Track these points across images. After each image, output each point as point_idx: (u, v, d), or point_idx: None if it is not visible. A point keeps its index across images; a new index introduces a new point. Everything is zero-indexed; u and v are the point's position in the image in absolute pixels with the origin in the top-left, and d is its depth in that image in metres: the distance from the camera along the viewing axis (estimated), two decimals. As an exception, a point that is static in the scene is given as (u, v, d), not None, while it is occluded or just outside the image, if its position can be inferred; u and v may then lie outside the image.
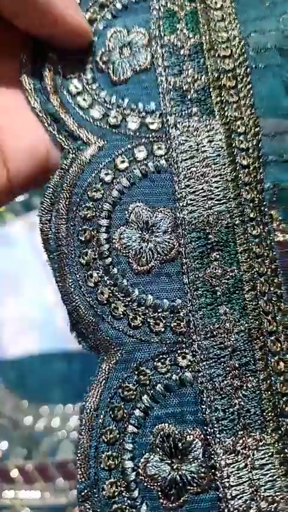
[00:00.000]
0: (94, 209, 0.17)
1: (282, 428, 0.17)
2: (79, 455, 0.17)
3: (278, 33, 0.18)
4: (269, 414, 0.17)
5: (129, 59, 0.18)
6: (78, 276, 0.17)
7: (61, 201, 0.17)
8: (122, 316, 0.17)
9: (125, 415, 0.17)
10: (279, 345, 0.17)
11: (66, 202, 0.17)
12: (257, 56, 0.18)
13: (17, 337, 0.45)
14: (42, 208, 0.18)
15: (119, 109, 0.18)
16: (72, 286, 0.17)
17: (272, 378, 0.17)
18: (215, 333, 0.17)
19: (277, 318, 0.17)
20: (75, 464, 0.45)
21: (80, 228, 0.17)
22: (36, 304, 0.45)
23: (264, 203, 0.17)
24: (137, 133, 0.18)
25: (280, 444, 0.17)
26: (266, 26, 0.18)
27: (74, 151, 0.18)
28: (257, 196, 0.18)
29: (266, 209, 0.17)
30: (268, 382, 0.17)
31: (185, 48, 0.18)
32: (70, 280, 0.17)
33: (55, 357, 0.44)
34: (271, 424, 0.17)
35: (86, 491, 0.16)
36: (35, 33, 0.18)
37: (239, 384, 0.17)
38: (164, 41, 0.18)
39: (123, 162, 0.18)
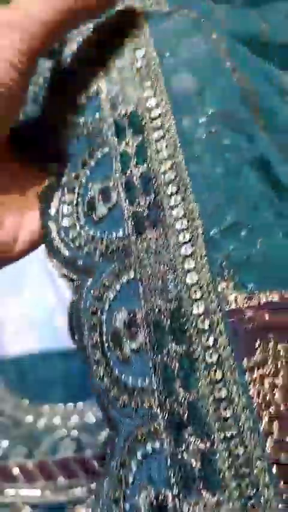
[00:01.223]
0: (94, 320, 0.22)
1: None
2: None
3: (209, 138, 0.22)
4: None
5: (105, 201, 0.23)
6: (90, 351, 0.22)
7: (74, 318, 0.23)
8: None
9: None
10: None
11: (78, 320, 0.22)
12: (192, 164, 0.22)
13: (17, 337, 0.45)
14: (69, 324, 0.23)
15: (102, 241, 0.23)
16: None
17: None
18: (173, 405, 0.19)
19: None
20: (76, 462, 0.44)
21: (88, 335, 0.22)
22: (36, 303, 0.45)
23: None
24: (114, 257, 0.22)
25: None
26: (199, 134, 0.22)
27: (77, 282, 0.23)
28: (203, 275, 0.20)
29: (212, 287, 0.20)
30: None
31: (136, 180, 0.22)
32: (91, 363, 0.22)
33: (55, 356, 0.44)
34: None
35: None
36: None
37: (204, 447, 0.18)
38: (122, 180, 0.23)
39: (107, 282, 0.22)
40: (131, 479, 0.19)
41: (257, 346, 0.18)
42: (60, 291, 0.45)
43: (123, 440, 0.20)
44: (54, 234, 0.24)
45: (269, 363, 0.18)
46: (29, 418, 0.42)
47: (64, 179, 0.25)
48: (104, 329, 0.21)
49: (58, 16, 0.23)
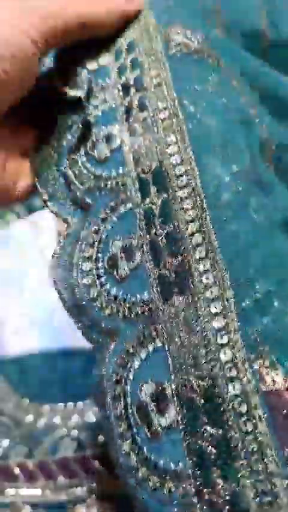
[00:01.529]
0: (118, 389, 0.21)
1: None
2: None
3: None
4: None
5: (128, 260, 0.22)
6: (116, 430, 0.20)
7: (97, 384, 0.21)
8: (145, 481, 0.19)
9: None
10: None
11: (100, 387, 0.21)
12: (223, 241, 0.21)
13: (17, 336, 0.45)
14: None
15: (124, 303, 0.21)
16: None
17: None
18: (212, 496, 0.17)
19: None
20: (76, 462, 0.44)
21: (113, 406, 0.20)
22: (37, 303, 0.45)
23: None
24: (138, 320, 0.21)
25: None
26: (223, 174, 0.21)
27: (99, 348, 0.22)
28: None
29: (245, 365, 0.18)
30: None
31: (162, 240, 0.21)
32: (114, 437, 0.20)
33: (56, 356, 0.44)
34: None
35: None
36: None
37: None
38: (146, 239, 0.22)
39: (132, 349, 0.21)
40: None
41: None
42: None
43: None
44: (77, 290, 0.22)
45: None
46: (30, 418, 0.42)
47: (83, 233, 0.23)
48: (129, 400, 0.20)
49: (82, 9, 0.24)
